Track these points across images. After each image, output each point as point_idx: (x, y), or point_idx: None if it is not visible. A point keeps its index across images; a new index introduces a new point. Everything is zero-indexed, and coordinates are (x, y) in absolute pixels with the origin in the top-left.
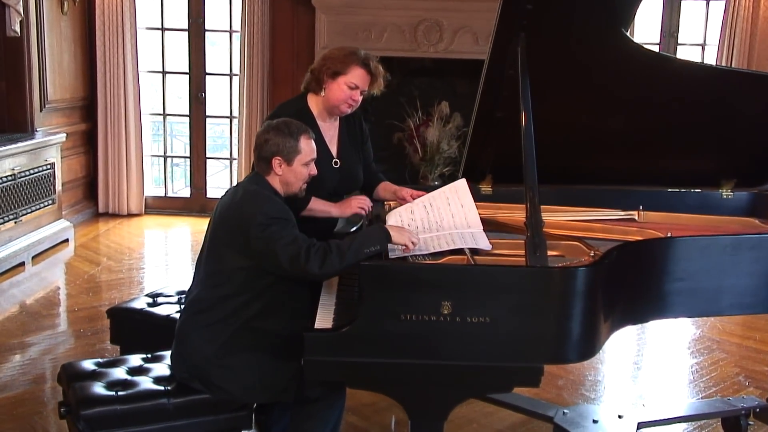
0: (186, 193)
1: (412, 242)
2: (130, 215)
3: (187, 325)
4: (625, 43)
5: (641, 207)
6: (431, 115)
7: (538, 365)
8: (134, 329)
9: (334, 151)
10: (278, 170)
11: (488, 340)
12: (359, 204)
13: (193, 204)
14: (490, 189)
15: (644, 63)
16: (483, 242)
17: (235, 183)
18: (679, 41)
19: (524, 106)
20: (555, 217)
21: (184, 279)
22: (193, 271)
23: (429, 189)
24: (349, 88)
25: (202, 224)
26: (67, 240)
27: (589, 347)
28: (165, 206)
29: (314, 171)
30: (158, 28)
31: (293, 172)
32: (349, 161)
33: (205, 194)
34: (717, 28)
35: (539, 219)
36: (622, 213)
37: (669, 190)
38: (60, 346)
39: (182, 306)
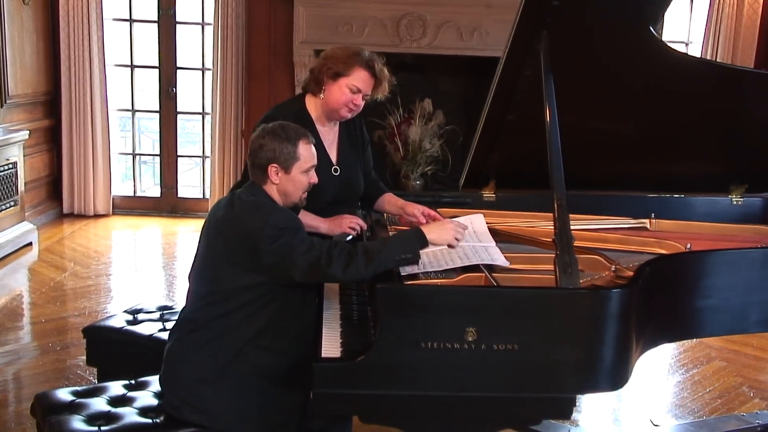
0: (155, 192)
1: (456, 239)
2: (96, 216)
3: (179, 347)
4: (651, 42)
5: (653, 215)
6: (413, 113)
7: (569, 395)
8: (113, 350)
9: (333, 157)
10: (275, 179)
11: (516, 369)
12: (350, 224)
13: (164, 204)
14: (493, 195)
15: (667, 63)
16: (499, 258)
17: (207, 182)
18: (663, 38)
19: (549, 106)
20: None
21: (157, 286)
22: (187, 288)
23: (437, 204)
24: (350, 91)
25: (173, 225)
26: (30, 243)
27: (622, 375)
28: (134, 206)
29: (315, 179)
30: (126, 20)
31: (291, 181)
32: (349, 168)
33: (176, 193)
34: (701, 25)
35: (569, 234)
36: (634, 221)
37: (677, 195)
38: (26, 363)
39: (164, 323)
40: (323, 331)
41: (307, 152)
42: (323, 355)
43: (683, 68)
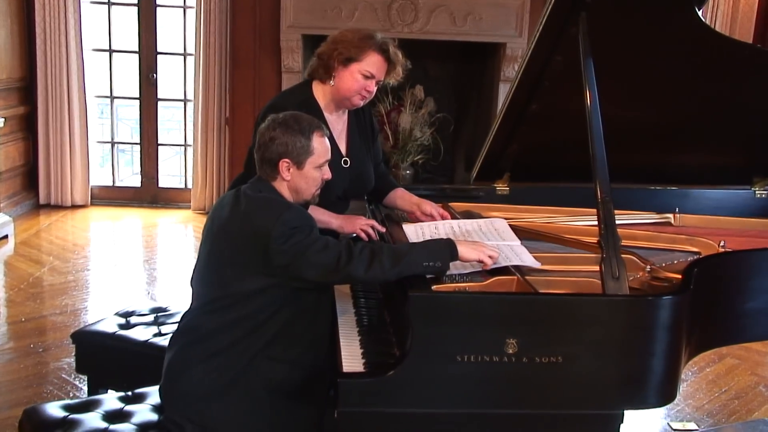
0: (135, 181)
1: (490, 256)
2: (74, 207)
3: (181, 358)
4: (694, 25)
5: (677, 209)
6: (403, 100)
7: (616, 411)
8: (105, 357)
9: (343, 148)
10: (286, 175)
11: (560, 383)
12: (364, 226)
13: (144, 194)
14: (507, 188)
15: (707, 47)
16: (528, 259)
17: (189, 171)
18: None
19: (591, 92)
20: (585, 221)
21: (139, 282)
22: (191, 293)
23: (451, 197)
24: (363, 78)
25: (153, 216)
26: (6, 236)
27: (671, 388)
28: (112, 196)
29: (328, 175)
30: (104, 3)
31: (304, 177)
32: (359, 161)
33: (157, 183)
34: None
35: (617, 235)
36: (657, 216)
37: (698, 189)
38: (5, 368)
39: (159, 327)
40: (341, 341)
41: (321, 146)
42: (345, 369)
43: (724, 52)
